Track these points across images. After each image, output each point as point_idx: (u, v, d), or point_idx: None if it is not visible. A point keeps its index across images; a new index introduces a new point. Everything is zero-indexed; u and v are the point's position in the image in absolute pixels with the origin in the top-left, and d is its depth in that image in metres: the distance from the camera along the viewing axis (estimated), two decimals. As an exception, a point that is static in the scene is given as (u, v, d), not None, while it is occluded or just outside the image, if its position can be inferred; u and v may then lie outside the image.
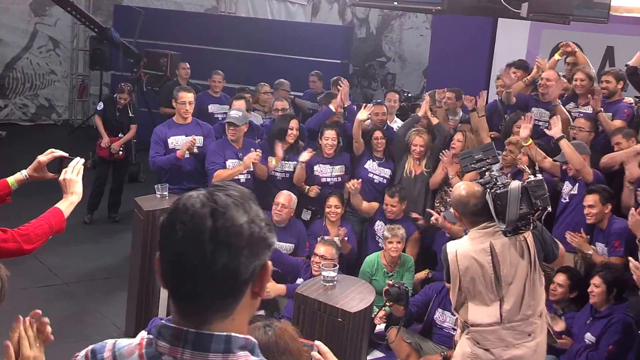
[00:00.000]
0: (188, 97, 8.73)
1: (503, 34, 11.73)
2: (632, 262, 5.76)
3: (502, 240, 5.01)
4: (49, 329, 3.33)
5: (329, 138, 8.79)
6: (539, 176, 4.68)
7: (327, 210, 8.39)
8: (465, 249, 5.12)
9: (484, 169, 5.16)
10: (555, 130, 7.60)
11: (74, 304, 8.45)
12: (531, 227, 4.94)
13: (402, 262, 7.97)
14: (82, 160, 4.17)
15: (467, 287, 5.08)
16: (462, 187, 5.11)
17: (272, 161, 8.58)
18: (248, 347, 1.84)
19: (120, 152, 11.15)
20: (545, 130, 8.30)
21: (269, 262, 1.87)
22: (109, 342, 2.00)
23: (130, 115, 11.36)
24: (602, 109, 8.01)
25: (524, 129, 7.74)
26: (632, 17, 11.10)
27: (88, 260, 9.43)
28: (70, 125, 17.66)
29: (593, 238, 7.28)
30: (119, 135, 11.17)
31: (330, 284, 6.06)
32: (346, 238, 8.18)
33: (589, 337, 6.51)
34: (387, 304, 6.71)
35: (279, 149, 8.55)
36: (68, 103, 18.25)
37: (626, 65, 8.79)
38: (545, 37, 11.57)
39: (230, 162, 8.35)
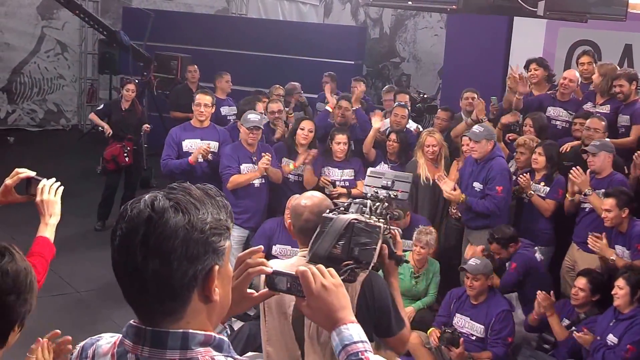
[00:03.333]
0: (204, 99, 8.82)
1: (519, 33, 11.79)
2: None
3: None
4: (69, 347, 3.45)
5: (341, 142, 8.87)
6: (380, 223, 3.49)
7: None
8: None
9: (376, 198, 3.84)
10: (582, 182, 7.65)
11: (87, 313, 8.51)
12: (352, 280, 3.45)
13: (428, 265, 7.99)
14: (55, 181, 4.07)
15: (271, 325, 3.99)
16: (308, 195, 4.05)
17: (289, 164, 8.69)
18: (210, 343, 1.90)
19: (127, 158, 11.15)
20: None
21: (216, 267, 1.88)
22: (95, 338, 2.15)
23: (137, 116, 11.45)
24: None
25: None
26: (651, 14, 11.15)
27: (100, 267, 9.39)
28: (80, 130, 17.79)
29: (612, 241, 7.31)
30: (128, 137, 11.16)
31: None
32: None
33: (611, 339, 6.54)
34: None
35: (302, 157, 8.66)
36: (77, 108, 18.40)
37: None
38: (562, 35, 11.63)
39: (244, 166, 8.40)
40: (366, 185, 3.75)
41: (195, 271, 1.83)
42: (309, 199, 3.95)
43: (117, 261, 1.87)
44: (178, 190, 1.89)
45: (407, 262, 6.83)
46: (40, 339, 3.30)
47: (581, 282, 7.09)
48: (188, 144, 8.72)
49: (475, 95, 9.97)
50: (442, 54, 14.18)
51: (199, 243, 1.82)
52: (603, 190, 7.56)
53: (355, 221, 3.28)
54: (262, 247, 2.59)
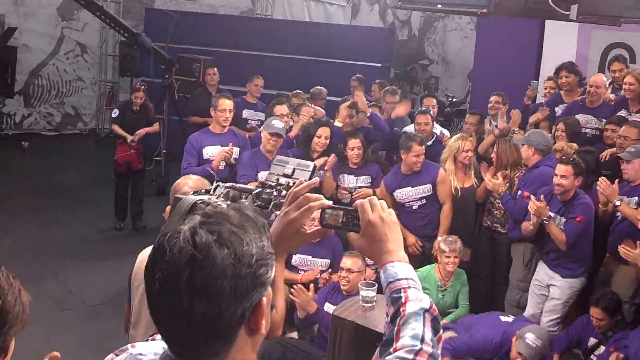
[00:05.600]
0: (229, 104, 8.85)
1: (551, 35, 11.79)
2: None
3: None
4: None
5: (354, 147, 8.76)
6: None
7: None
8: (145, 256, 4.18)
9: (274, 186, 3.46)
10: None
11: (97, 326, 8.39)
12: None
13: (455, 275, 7.92)
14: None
15: (137, 307, 4.49)
16: (193, 179, 4.65)
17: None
18: None
19: (140, 164, 11.49)
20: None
21: (264, 300, 1.84)
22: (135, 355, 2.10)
23: (149, 117, 11.66)
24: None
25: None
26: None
27: (111, 279, 9.28)
28: (97, 134, 17.88)
29: None
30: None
31: (370, 304, 5.76)
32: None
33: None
34: None
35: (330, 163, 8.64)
36: (95, 111, 18.49)
37: None
38: (595, 38, 11.62)
39: (262, 174, 8.18)
40: (270, 173, 3.58)
41: (243, 309, 1.78)
42: (193, 181, 4.50)
43: (158, 305, 1.79)
44: (216, 218, 1.81)
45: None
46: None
47: (596, 312, 7.01)
48: (209, 151, 8.75)
49: (500, 99, 10.00)
50: (472, 57, 14.22)
51: (247, 279, 1.77)
52: (636, 198, 7.54)
53: (199, 201, 3.07)
54: (317, 180, 2.61)
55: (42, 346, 3.71)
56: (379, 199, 2.32)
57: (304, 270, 7.92)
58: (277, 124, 8.53)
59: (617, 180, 7.52)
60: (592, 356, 7.13)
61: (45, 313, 8.19)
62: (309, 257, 7.93)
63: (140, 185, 11.71)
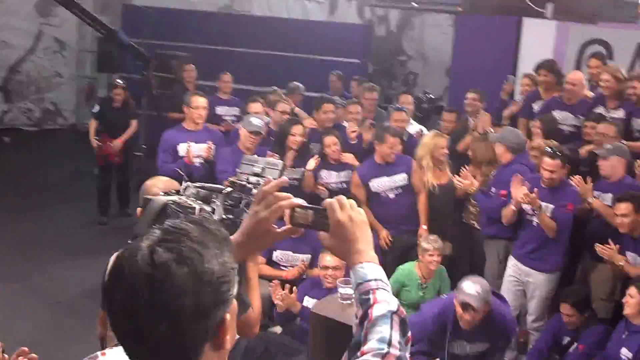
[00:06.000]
0: (202, 102, 8.93)
1: (529, 32, 11.81)
2: None
3: None
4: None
5: (331, 145, 8.83)
6: (195, 205, 3.28)
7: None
8: None
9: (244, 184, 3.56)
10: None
11: (82, 321, 8.09)
12: None
13: (436, 273, 7.92)
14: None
15: None
16: (162, 180, 4.66)
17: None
18: None
19: (117, 158, 11.69)
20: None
21: (227, 317, 1.81)
22: None
23: (130, 114, 11.88)
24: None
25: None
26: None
27: (94, 272, 9.28)
28: (78, 130, 17.72)
29: (623, 247, 7.19)
30: (119, 136, 11.64)
31: (348, 301, 5.88)
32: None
33: (625, 353, 6.50)
34: None
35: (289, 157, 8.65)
36: (75, 107, 18.47)
37: None
38: (573, 34, 11.63)
39: None
40: (240, 172, 3.56)
41: (206, 327, 1.75)
42: (163, 182, 4.44)
43: (119, 326, 1.75)
44: (175, 235, 1.75)
45: None
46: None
47: (565, 308, 7.12)
48: (183, 148, 8.81)
49: (477, 96, 10.07)
50: (450, 53, 14.23)
51: (209, 297, 1.73)
52: (611, 195, 7.58)
53: (170, 202, 3.21)
54: (286, 179, 2.60)
55: (28, 341, 3.74)
56: (353, 190, 2.34)
57: (285, 266, 7.96)
58: (256, 121, 8.59)
59: (590, 178, 7.60)
60: (565, 354, 7.22)
61: (31, 307, 8.22)
62: (290, 253, 7.98)
63: (125, 175, 11.87)
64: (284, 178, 2.59)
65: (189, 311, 1.69)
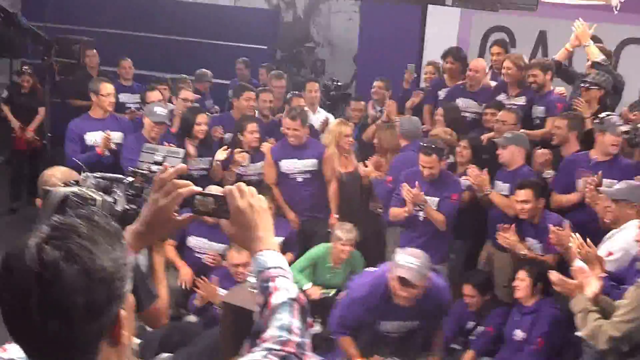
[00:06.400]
0: (110, 88, 8.78)
1: (433, 19, 11.89)
2: (554, 275, 5.55)
3: None
4: None
5: (253, 132, 8.73)
6: (96, 196, 3.09)
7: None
8: None
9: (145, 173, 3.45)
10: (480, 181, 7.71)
11: None
12: None
13: (347, 259, 7.86)
14: None
15: None
16: (61, 170, 4.46)
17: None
18: None
19: (37, 140, 11.64)
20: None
21: (122, 312, 1.76)
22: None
23: (38, 100, 11.80)
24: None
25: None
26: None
27: None
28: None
29: (522, 233, 7.30)
30: (30, 121, 11.59)
31: (256, 290, 5.84)
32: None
33: (518, 334, 6.72)
34: None
35: (190, 147, 8.49)
36: (-24, 94, 17.90)
37: (552, 59, 9.10)
38: (475, 22, 11.80)
39: None
40: (141, 161, 3.55)
41: (100, 324, 1.71)
42: (61, 173, 4.31)
43: (11, 324, 1.70)
44: (63, 232, 1.70)
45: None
46: None
47: (467, 288, 7.23)
48: (91, 137, 8.59)
49: (383, 85, 10.13)
50: (357, 40, 14.26)
51: (101, 294, 1.68)
52: (508, 184, 7.69)
53: (71, 194, 3.08)
54: (185, 166, 2.58)
55: None
56: (265, 169, 2.31)
57: (199, 253, 7.86)
58: (160, 110, 8.43)
59: (486, 169, 7.68)
60: (470, 337, 7.31)
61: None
62: (205, 240, 7.87)
63: (36, 166, 11.54)
64: (183, 165, 2.56)
65: (81, 309, 1.65)
